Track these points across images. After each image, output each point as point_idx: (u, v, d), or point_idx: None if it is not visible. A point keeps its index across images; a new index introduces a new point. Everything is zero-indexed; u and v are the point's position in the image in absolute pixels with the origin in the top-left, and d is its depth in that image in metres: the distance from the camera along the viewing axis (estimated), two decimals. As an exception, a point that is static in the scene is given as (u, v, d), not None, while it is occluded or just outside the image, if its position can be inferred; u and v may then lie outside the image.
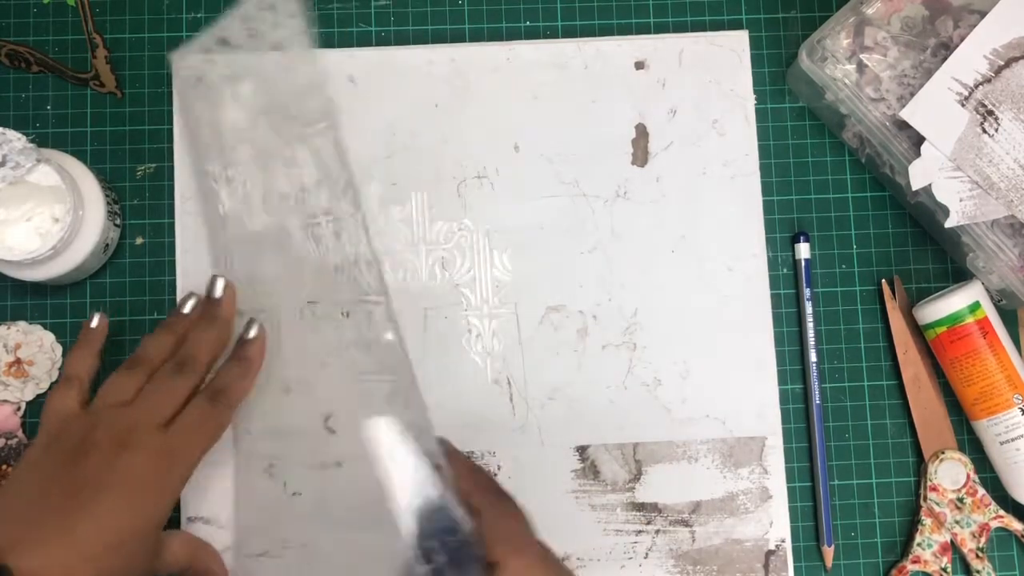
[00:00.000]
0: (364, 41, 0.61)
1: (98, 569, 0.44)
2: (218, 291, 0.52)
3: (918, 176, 0.54)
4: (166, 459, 0.47)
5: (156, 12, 0.60)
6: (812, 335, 0.58)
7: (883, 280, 0.59)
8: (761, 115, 0.60)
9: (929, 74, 0.55)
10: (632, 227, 0.59)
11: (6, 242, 0.52)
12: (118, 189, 0.59)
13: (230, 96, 0.56)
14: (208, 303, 0.52)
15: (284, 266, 0.56)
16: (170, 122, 0.59)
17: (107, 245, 0.56)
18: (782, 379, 0.58)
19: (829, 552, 0.57)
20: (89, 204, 0.54)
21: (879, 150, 0.57)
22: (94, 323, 0.52)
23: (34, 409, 0.57)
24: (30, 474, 0.46)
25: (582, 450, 0.57)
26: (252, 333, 0.52)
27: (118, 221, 0.57)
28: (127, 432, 0.47)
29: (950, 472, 0.57)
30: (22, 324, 0.57)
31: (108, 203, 0.55)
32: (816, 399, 0.58)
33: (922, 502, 0.57)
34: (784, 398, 0.58)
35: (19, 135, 0.51)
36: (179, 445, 0.48)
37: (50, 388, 0.57)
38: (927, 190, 0.54)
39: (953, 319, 0.56)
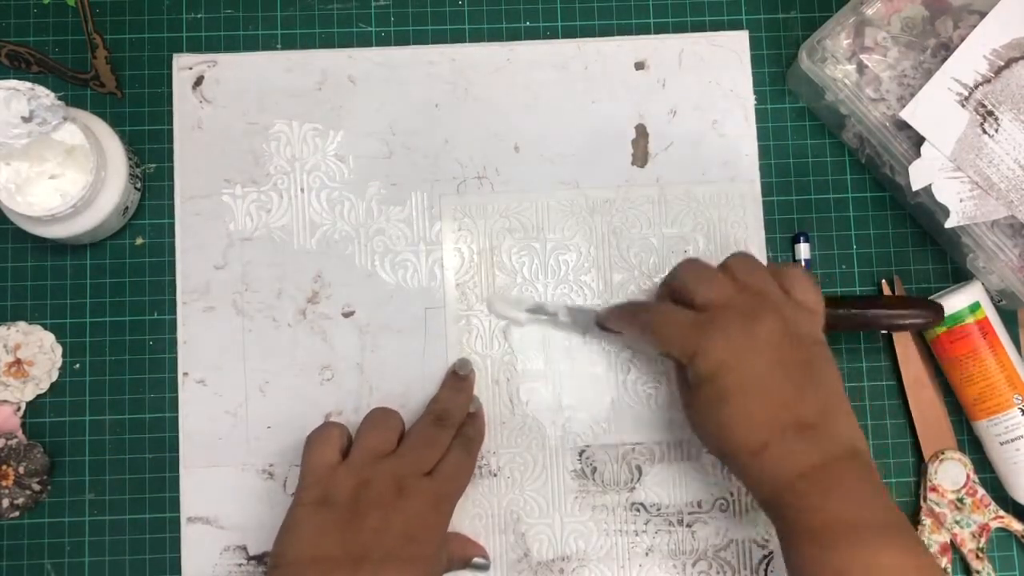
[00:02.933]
0: (364, 41, 0.61)
1: None
2: (465, 371, 0.57)
3: (918, 176, 0.54)
4: (439, 503, 0.51)
5: (156, 12, 0.60)
6: (812, 335, 0.58)
7: (883, 280, 0.59)
8: (761, 115, 0.60)
9: (929, 74, 0.55)
10: (632, 227, 0.59)
11: (28, 198, 0.52)
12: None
13: None
14: (456, 377, 0.57)
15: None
16: (170, 122, 0.59)
17: (127, 208, 0.57)
18: (782, 379, 0.58)
19: (829, 552, 0.57)
20: (112, 165, 0.54)
21: (879, 150, 0.57)
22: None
23: (34, 409, 0.57)
24: (310, 528, 0.48)
25: (582, 450, 0.57)
26: (472, 408, 0.56)
27: (139, 184, 0.57)
28: (401, 480, 0.50)
29: (950, 472, 0.57)
30: (22, 324, 0.57)
31: (130, 166, 0.55)
32: (816, 399, 0.58)
33: (922, 502, 0.57)
34: (784, 398, 0.58)
35: (48, 92, 0.51)
36: (446, 491, 0.52)
37: (50, 388, 0.57)
38: (927, 190, 0.54)
39: (953, 319, 0.56)
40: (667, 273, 0.54)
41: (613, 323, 0.55)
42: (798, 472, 0.45)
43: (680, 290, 0.51)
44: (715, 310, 0.48)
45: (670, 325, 0.50)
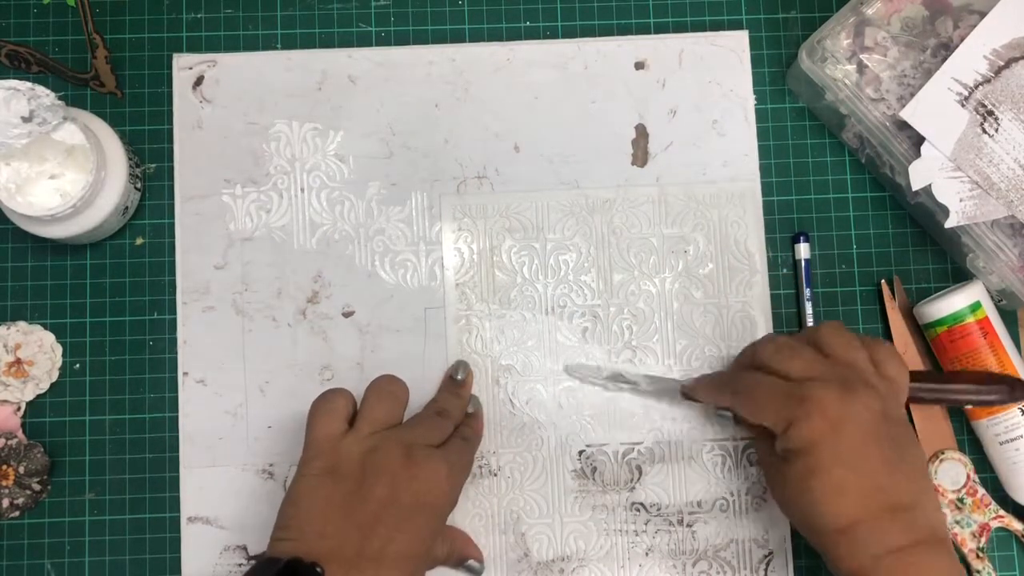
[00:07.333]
0: (364, 41, 0.61)
1: None
2: (461, 375, 0.56)
3: (918, 176, 0.54)
4: (447, 471, 0.50)
5: (156, 12, 0.60)
6: (812, 335, 0.58)
7: (883, 280, 0.59)
8: (761, 115, 0.60)
9: (929, 74, 0.55)
10: (632, 227, 0.59)
11: (28, 198, 0.52)
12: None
13: None
14: (453, 382, 0.56)
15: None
16: (170, 122, 0.59)
17: (127, 208, 0.57)
18: (782, 379, 0.58)
19: (829, 552, 0.57)
20: (112, 165, 0.54)
21: (879, 150, 0.57)
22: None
23: (34, 409, 0.57)
24: (317, 499, 0.48)
25: (582, 450, 0.57)
26: (471, 409, 0.56)
27: (139, 184, 0.57)
28: (409, 448, 0.49)
29: (950, 472, 0.57)
30: (22, 324, 0.57)
31: (130, 166, 0.55)
32: (816, 399, 0.58)
33: (922, 502, 0.57)
34: (784, 398, 0.58)
35: (48, 91, 0.51)
36: (454, 462, 0.51)
37: (50, 388, 0.57)
38: (927, 190, 0.54)
39: (954, 319, 0.56)
40: (747, 345, 0.54)
41: (701, 394, 0.55)
42: (885, 552, 0.45)
43: (767, 366, 0.50)
44: (810, 381, 0.48)
45: (764, 395, 0.49)
